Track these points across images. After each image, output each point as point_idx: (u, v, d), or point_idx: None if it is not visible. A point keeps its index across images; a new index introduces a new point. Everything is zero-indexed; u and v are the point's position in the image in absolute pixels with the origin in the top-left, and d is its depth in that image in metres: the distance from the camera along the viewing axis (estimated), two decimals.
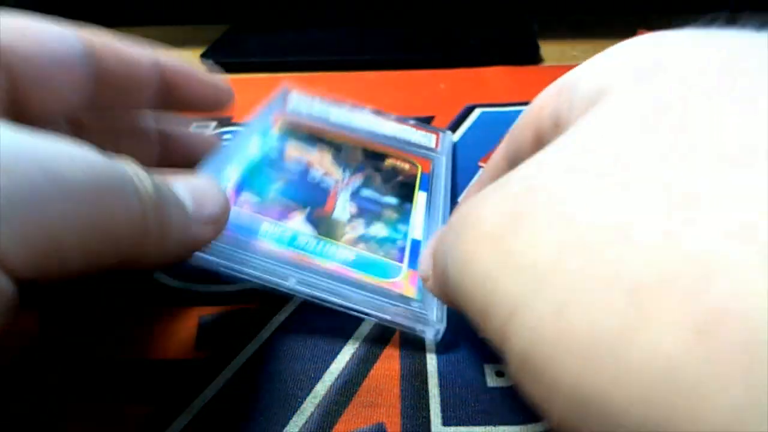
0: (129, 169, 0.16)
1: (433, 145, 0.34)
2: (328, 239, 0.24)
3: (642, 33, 0.55)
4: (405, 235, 0.26)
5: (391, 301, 0.22)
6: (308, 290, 0.22)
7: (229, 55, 0.54)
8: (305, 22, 0.60)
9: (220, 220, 0.20)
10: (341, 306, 0.22)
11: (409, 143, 0.33)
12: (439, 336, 0.22)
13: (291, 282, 0.22)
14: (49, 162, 0.14)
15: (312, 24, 0.59)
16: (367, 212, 0.27)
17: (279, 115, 0.32)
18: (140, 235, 0.16)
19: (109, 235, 0.15)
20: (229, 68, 0.52)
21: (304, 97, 0.34)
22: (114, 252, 0.15)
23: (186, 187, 0.19)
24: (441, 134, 0.35)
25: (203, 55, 0.54)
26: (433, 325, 0.22)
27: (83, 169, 0.14)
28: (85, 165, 0.14)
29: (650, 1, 0.62)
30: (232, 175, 0.26)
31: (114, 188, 0.15)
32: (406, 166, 0.31)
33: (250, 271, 0.22)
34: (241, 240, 0.23)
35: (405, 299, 0.22)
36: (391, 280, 0.23)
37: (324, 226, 0.25)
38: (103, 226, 0.14)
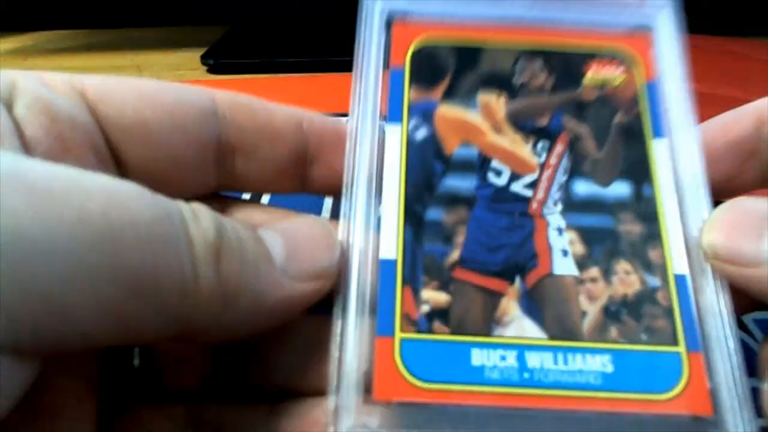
0: (184, 210, 0.14)
1: None
2: (568, 344, 0.17)
3: None
4: (664, 271, 0.18)
5: None
6: None
7: (228, 56, 0.54)
8: (305, 22, 0.59)
9: (324, 275, 0.16)
10: None
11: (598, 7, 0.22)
12: None
13: None
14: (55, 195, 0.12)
15: (312, 25, 0.57)
16: (597, 242, 0.18)
17: (402, 27, 0.21)
18: (190, 293, 0.13)
19: (143, 294, 0.12)
20: (229, 69, 0.52)
21: None
22: (156, 316, 0.13)
23: (279, 232, 0.16)
24: None
25: (203, 56, 0.53)
26: None
27: (103, 213, 0.12)
28: (105, 207, 0.12)
29: None
30: (389, 240, 0.18)
31: (150, 237, 0.13)
32: (618, 76, 0.20)
33: None
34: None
35: (697, 428, 0.16)
36: (670, 395, 0.16)
37: (553, 313, 0.17)
38: (130, 283, 0.12)
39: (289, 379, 0.18)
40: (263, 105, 0.19)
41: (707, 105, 0.19)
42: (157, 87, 0.17)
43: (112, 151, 0.16)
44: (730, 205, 0.17)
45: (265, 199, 0.31)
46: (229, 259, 0.14)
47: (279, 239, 0.16)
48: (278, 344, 0.18)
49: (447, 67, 0.20)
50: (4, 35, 0.61)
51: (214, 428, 0.17)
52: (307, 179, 0.19)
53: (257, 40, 0.55)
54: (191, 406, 0.18)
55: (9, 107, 0.15)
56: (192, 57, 0.53)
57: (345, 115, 0.19)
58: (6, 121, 0.15)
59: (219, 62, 0.51)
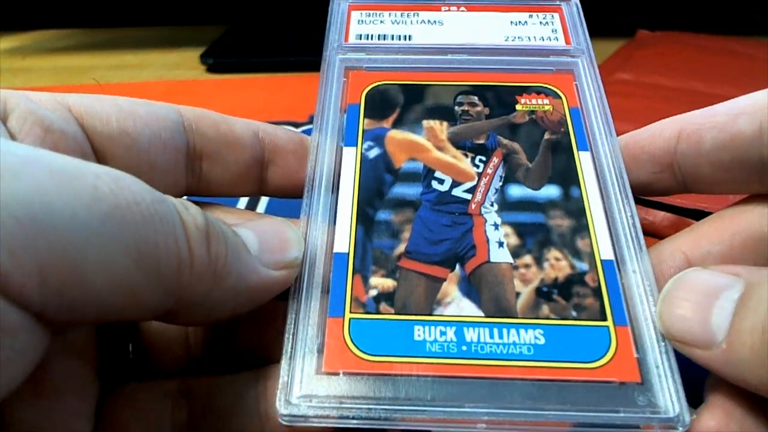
0: (175, 200, 0.15)
1: (562, 41, 0.26)
2: (503, 320, 0.18)
3: (642, 33, 0.55)
4: (592, 257, 0.20)
5: (608, 409, 0.17)
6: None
7: (228, 55, 0.54)
8: (304, 22, 0.58)
9: (292, 264, 0.18)
10: None
11: (531, 51, 0.26)
12: (688, 424, 0.17)
13: (480, 428, 0.17)
14: (72, 180, 0.13)
15: (311, 24, 0.58)
16: (530, 235, 0.20)
17: (358, 74, 0.25)
18: (186, 268, 0.14)
19: (147, 266, 0.13)
20: (229, 68, 0.53)
21: (366, 22, 0.27)
22: (156, 288, 0.14)
23: (251, 229, 0.18)
24: (565, 8, 0.27)
25: (203, 55, 0.53)
26: (674, 419, 0.17)
27: (112, 192, 0.13)
28: (113, 187, 0.13)
29: (650, 1, 0.62)
30: (343, 237, 0.20)
31: (151, 215, 0.14)
32: (546, 104, 0.24)
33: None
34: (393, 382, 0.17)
35: (624, 392, 0.17)
36: (598, 364, 0.18)
37: (490, 295, 0.19)
38: (137, 255, 0.13)
39: (266, 353, 0.19)
40: (223, 117, 0.21)
41: (709, 104, 0.20)
42: (132, 102, 0.19)
43: (98, 158, 0.18)
44: (678, 281, 0.17)
45: (263, 204, 0.33)
46: (217, 242, 0.15)
47: (252, 234, 0.17)
48: (253, 324, 0.19)
49: (396, 102, 0.24)
50: (3, 34, 0.61)
51: (205, 396, 0.18)
52: (265, 182, 0.22)
53: (256, 40, 0.56)
54: (181, 379, 0.19)
55: (3, 121, 0.16)
56: (191, 56, 0.53)
57: None
58: (3, 133, 0.16)
59: (218, 61, 0.52)
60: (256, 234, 0.17)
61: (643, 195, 0.22)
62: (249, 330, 0.20)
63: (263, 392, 0.18)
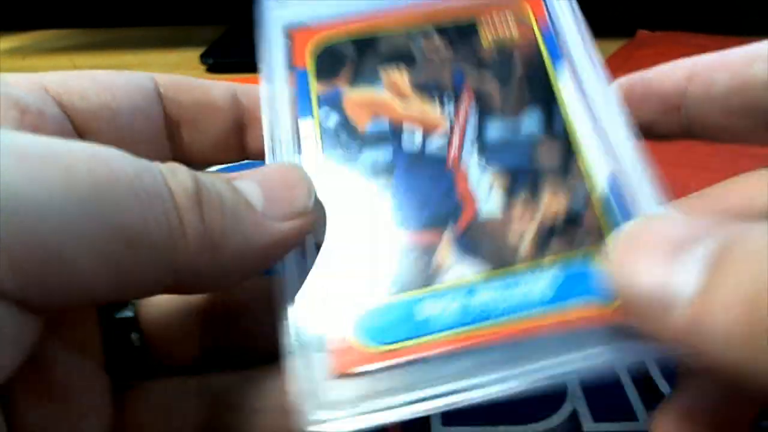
0: (162, 166, 0.14)
1: None
2: (506, 271, 0.17)
3: (642, 33, 0.55)
4: (589, 182, 0.18)
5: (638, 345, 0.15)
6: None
7: (228, 55, 0.54)
8: None
9: (303, 213, 0.16)
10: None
11: None
12: None
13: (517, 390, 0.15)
14: (45, 158, 0.12)
15: None
16: (519, 174, 0.18)
17: (300, 34, 0.22)
18: (180, 240, 0.14)
19: (136, 244, 0.13)
20: (228, 68, 0.53)
21: None
22: (150, 265, 0.13)
23: (252, 179, 0.16)
24: None
25: (203, 55, 0.53)
26: None
27: (89, 170, 0.12)
28: (91, 165, 0.13)
29: (650, 1, 0.63)
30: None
31: (134, 189, 0.13)
32: (513, 31, 0.21)
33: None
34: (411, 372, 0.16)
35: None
36: (615, 305, 0.16)
37: (489, 247, 0.17)
38: (123, 234, 0.13)
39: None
40: (199, 81, 0.21)
41: None
42: (108, 74, 0.19)
43: (80, 135, 0.18)
44: (634, 228, 0.14)
45: None
46: (210, 207, 0.14)
47: (255, 186, 0.16)
48: (262, 311, 0.19)
49: (347, 57, 0.21)
50: (3, 34, 0.62)
51: (225, 393, 0.18)
52: (247, 145, 0.21)
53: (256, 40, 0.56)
54: (201, 376, 0.19)
55: None
56: (191, 56, 0.53)
57: None
58: None
59: (218, 61, 0.52)
60: (259, 183, 0.16)
61: (645, 137, 0.20)
62: (262, 318, 0.19)
63: (283, 386, 0.17)
